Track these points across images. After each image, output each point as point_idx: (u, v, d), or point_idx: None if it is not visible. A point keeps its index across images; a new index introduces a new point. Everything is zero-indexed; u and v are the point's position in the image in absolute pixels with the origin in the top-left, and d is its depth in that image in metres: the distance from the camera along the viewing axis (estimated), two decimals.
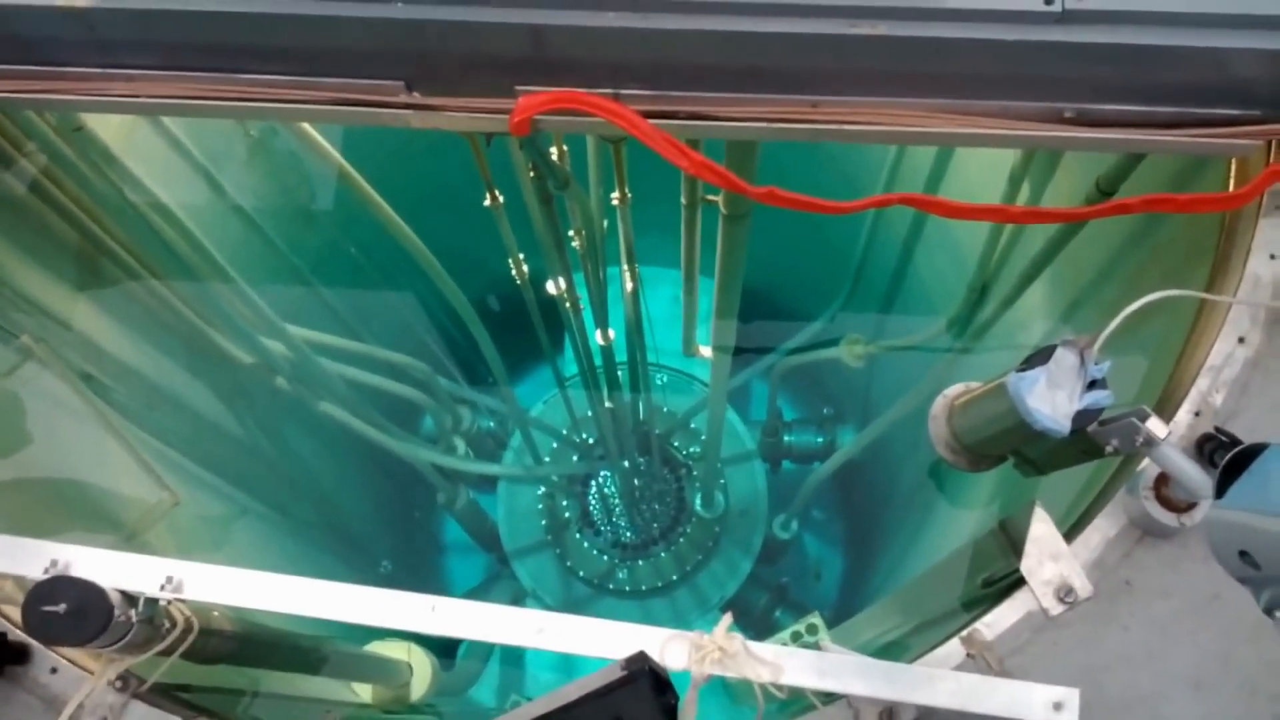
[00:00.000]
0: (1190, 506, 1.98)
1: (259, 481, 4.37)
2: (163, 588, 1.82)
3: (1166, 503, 1.99)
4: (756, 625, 5.92)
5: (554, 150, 2.89)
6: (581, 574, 6.19)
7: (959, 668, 1.97)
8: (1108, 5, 1.72)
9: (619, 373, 4.75)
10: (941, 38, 1.74)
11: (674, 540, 6.25)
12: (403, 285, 4.89)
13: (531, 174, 2.82)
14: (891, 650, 2.41)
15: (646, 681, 1.55)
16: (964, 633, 2.03)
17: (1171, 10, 1.71)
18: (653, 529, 6.29)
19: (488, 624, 1.80)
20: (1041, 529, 1.98)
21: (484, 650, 5.58)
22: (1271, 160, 2.12)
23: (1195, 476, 1.77)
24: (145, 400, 3.55)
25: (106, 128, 2.91)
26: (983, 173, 3.37)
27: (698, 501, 6.20)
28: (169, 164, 3.30)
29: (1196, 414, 2.11)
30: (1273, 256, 2.19)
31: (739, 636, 1.72)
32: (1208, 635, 2.01)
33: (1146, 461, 1.95)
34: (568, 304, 3.79)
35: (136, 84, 1.98)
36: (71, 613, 1.74)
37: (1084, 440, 1.84)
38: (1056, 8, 1.71)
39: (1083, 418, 1.77)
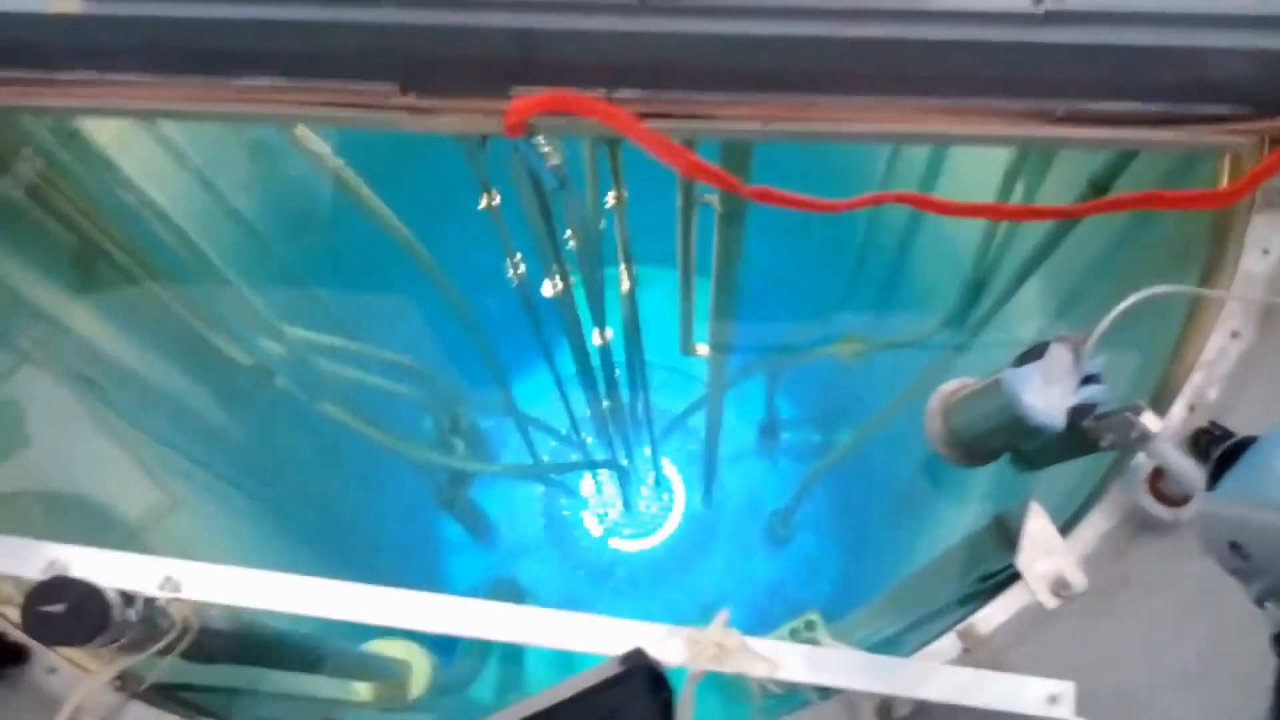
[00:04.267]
0: (1186, 501, 1.98)
1: (257, 481, 4.37)
2: (161, 587, 1.82)
3: (1162, 497, 1.99)
4: (754, 622, 5.92)
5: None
6: (579, 571, 6.20)
7: (955, 662, 1.98)
8: (1092, 6, 1.73)
9: (616, 372, 4.75)
10: (930, 40, 1.74)
11: (672, 537, 6.26)
12: (400, 286, 4.89)
13: (527, 175, 2.83)
14: (888, 645, 2.42)
15: (642, 678, 1.56)
16: (960, 627, 2.04)
17: (1155, 10, 1.71)
18: (651, 526, 6.29)
19: (485, 621, 1.81)
20: (1037, 524, 1.99)
21: (482, 648, 5.59)
22: (1264, 156, 2.13)
23: (1189, 470, 1.77)
24: (143, 402, 3.55)
25: (103, 132, 2.91)
26: (977, 171, 3.38)
27: (696, 499, 6.21)
28: (165, 168, 3.31)
29: (1191, 409, 2.12)
30: (1266, 252, 2.19)
31: (736, 632, 1.73)
32: (1204, 629, 2.01)
33: (1142, 456, 1.96)
34: (564, 304, 3.79)
35: (131, 89, 1.99)
36: (70, 613, 1.74)
37: (1079, 435, 1.85)
38: (1041, 9, 1.72)
39: (1078, 413, 1.78)
